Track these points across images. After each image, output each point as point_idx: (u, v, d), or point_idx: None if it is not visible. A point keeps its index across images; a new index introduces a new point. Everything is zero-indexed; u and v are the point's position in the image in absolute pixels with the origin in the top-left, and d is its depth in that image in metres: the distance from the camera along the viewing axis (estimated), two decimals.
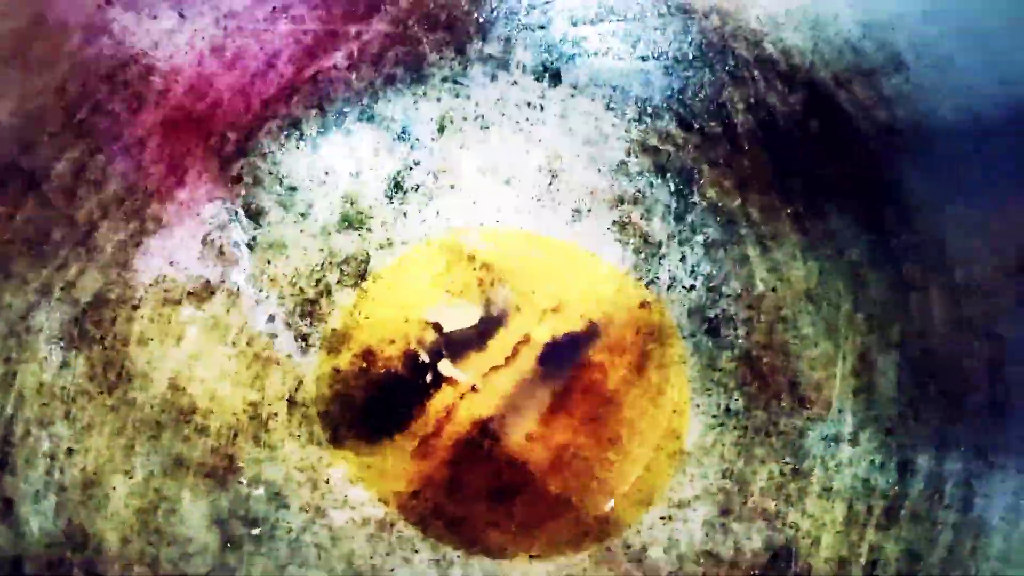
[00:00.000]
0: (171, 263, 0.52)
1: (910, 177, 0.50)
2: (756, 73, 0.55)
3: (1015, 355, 0.44)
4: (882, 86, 0.51)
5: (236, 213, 0.54)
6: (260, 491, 0.47)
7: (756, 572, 0.45)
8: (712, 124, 0.56)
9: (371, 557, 0.46)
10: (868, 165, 0.52)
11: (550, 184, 0.58)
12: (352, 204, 0.57)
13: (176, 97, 0.53)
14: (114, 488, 0.44)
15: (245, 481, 0.47)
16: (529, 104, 0.59)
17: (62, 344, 0.46)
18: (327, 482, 0.48)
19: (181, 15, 0.53)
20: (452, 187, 0.58)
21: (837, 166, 0.53)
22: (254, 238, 0.54)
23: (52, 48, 0.49)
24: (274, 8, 0.55)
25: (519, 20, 0.58)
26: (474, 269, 0.55)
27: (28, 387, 0.44)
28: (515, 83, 0.59)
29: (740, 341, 0.52)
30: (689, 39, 0.56)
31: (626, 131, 0.58)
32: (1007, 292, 0.45)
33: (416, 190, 0.58)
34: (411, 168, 0.58)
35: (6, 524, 0.40)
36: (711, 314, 0.54)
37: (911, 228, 0.50)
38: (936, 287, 0.48)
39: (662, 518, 0.48)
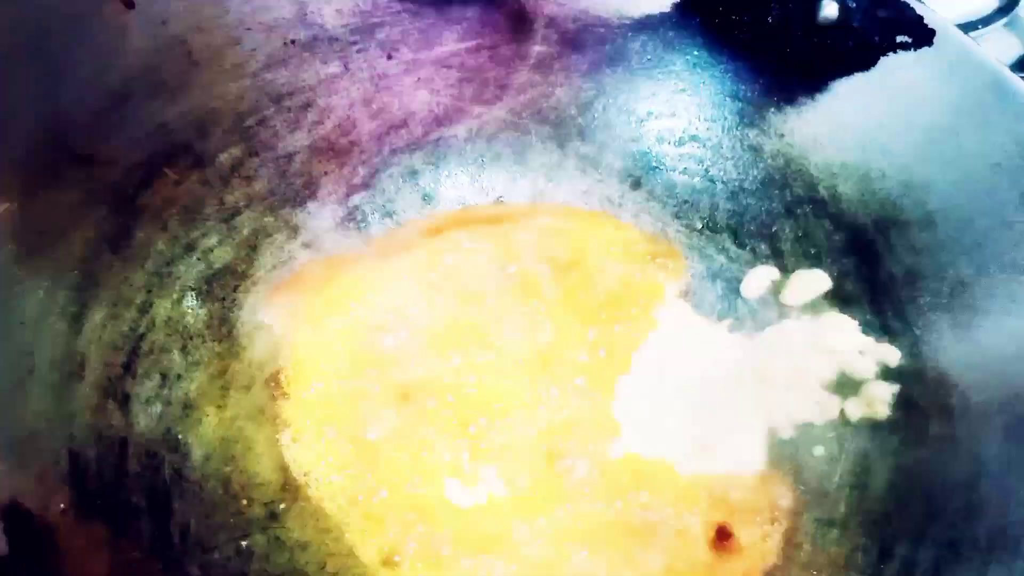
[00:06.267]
0: (290, 259, 0.61)
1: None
2: (808, 209, 0.64)
3: (990, 471, 0.50)
4: (914, 237, 0.59)
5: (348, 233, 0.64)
6: None
7: None
8: (762, 247, 0.65)
9: None
10: (893, 304, 0.60)
11: None
12: None
13: (325, 129, 0.64)
14: (207, 415, 0.51)
15: None
16: (610, 200, 0.69)
17: (192, 294, 0.55)
18: None
19: (346, 67, 0.64)
20: None
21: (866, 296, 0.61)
22: None
23: (239, 65, 0.60)
24: (419, 79, 0.67)
25: (615, 130, 0.69)
26: None
27: (159, 317, 0.53)
28: (601, 181, 0.69)
29: None
30: (755, 173, 0.66)
31: (687, 238, 0.67)
32: (993, 419, 0.52)
33: None
34: None
35: (121, 413, 0.47)
36: None
37: (920, 360, 0.57)
38: (935, 412, 0.55)
39: None
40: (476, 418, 0.56)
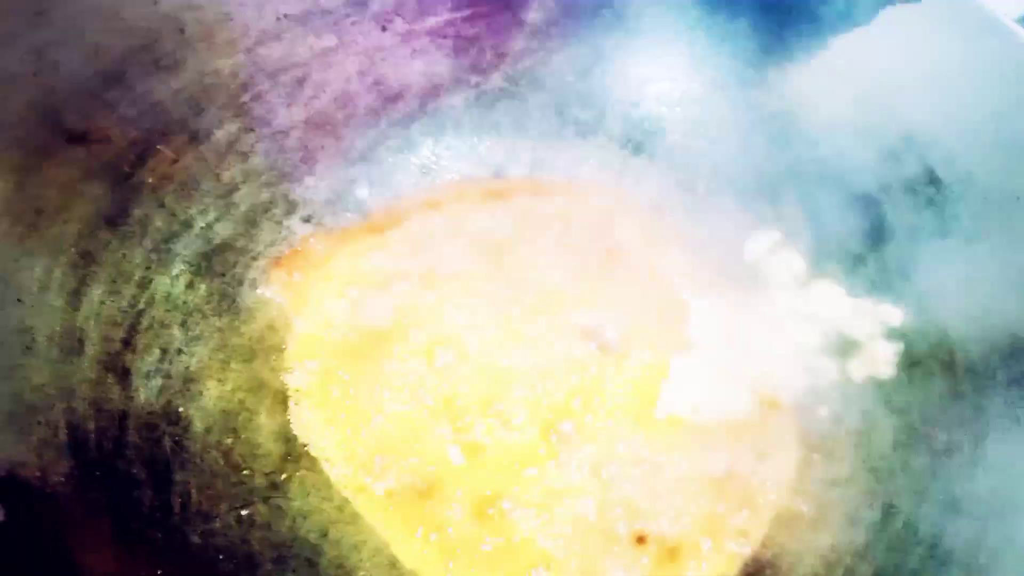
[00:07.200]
0: (289, 234, 0.61)
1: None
2: (810, 168, 0.63)
3: (994, 427, 0.49)
4: (916, 192, 0.58)
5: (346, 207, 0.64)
6: None
7: None
8: (765, 209, 0.65)
9: None
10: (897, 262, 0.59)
11: None
12: None
13: (321, 103, 0.64)
14: (208, 388, 0.52)
15: None
16: (610, 167, 0.68)
17: (192, 269, 0.55)
18: None
19: (340, 40, 0.64)
20: None
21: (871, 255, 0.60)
22: None
23: (233, 41, 0.60)
24: (414, 50, 0.66)
25: (614, 95, 0.68)
26: None
27: (159, 293, 0.53)
28: (601, 147, 0.68)
29: None
30: (756, 134, 0.65)
31: (689, 202, 0.66)
32: (997, 373, 0.51)
33: None
34: None
35: (121, 387, 0.48)
36: None
37: (923, 318, 0.56)
38: (939, 369, 0.54)
39: None
40: (481, 388, 0.56)
